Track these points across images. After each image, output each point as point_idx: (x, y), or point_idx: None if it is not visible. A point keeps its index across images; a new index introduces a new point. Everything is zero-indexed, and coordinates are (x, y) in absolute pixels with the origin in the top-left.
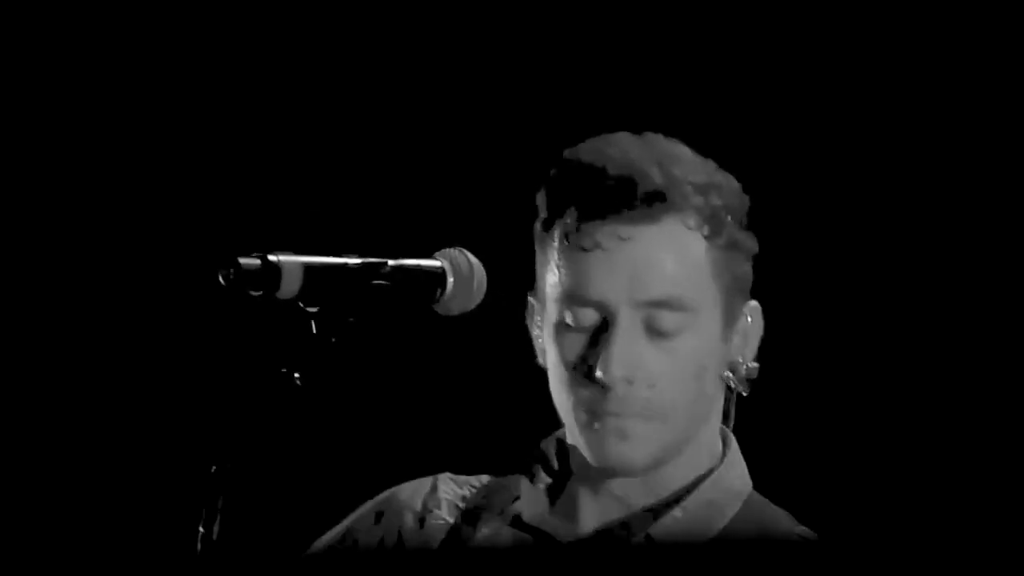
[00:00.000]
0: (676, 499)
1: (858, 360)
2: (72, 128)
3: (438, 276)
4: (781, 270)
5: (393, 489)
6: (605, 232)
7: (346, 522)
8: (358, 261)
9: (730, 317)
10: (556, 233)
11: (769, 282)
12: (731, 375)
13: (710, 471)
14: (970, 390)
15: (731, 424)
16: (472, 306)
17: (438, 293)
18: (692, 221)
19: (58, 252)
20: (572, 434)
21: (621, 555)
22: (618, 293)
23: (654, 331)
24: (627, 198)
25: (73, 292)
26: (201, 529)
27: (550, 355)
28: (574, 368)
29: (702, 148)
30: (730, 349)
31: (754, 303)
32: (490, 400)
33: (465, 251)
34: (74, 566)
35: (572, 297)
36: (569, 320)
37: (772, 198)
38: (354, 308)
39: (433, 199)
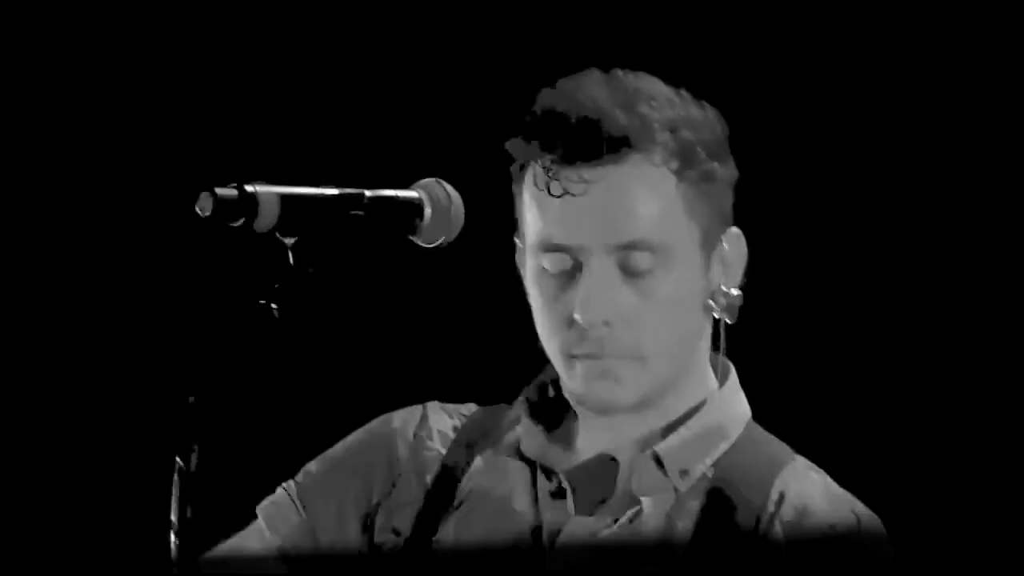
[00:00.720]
0: (674, 426)
1: (857, 287)
2: (48, 54)
3: (415, 207)
4: (775, 197)
5: (383, 417)
6: (572, 177)
7: (338, 448)
8: (335, 192)
9: (708, 249)
10: (528, 179)
11: (766, 210)
12: (713, 304)
13: (706, 400)
14: (965, 310)
15: (722, 351)
16: (451, 237)
17: (416, 223)
18: (658, 158)
19: (34, 182)
20: (562, 376)
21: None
22: (589, 238)
23: (629, 272)
24: (591, 143)
25: (50, 223)
26: (179, 461)
27: (532, 299)
28: (554, 313)
29: (695, 79)
30: (711, 278)
31: (735, 230)
32: (469, 330)
33: (443, 182)
34: (52, 496)
35: (546, 244)
36: (546, 264)
37: (764, 123)
38: (331, 238)
39: (411, 130)
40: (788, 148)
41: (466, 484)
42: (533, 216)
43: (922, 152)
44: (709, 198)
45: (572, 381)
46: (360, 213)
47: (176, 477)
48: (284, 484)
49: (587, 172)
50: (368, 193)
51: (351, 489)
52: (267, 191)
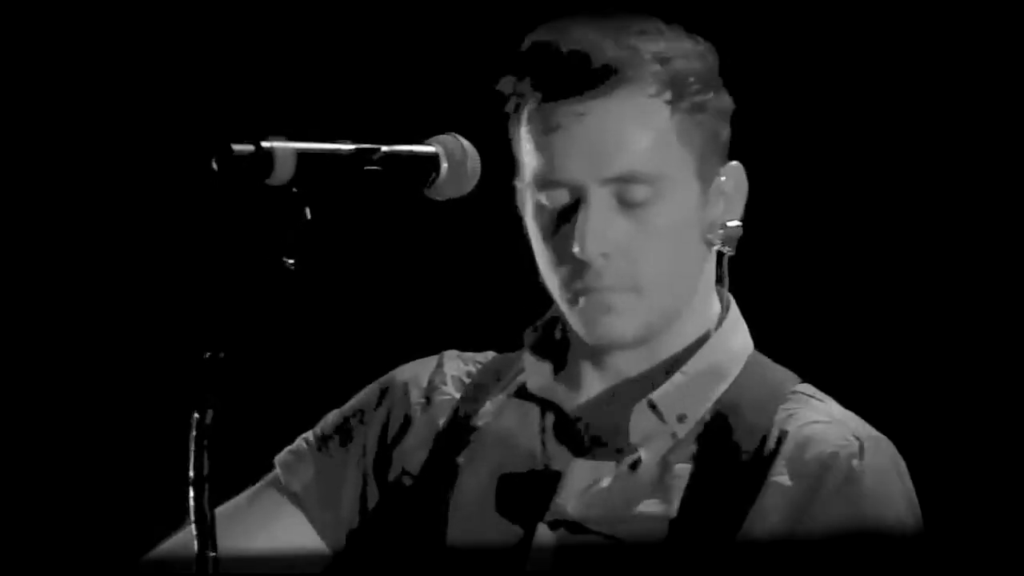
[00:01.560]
0: (675, 364)
1: (861, 213)
2: (59, 17)
3: (431, 161)
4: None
5: (399, 367)
6: (563, 111)
7: (355, 398)
8: (351, 147)
9: (706, 181)
10: (522, 116)
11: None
12: (712, 236)
13: (708, 335)
14: (967, 253)
15: (725, 285)
16: (466, 191)
17: (431, 178)
18: (652, 88)
19: (50, 142)
20: (565, 314)
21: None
22: (584, 171)
23: (626, 204)
24: (581, 76)
25: (66, 180)
26: (196, 416)
27: (532, 237)
28: (554, 248)
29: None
30: (710, 211)
31: (735, 163)
32: (484, 284)
33: (459, 136)
34: (69, 450)
35: (542, 179)
36: (544, 201)
37: (761, 56)
38: (347, 194)
39: (427, 85)
40: (786, 80)
41: (475, 425)
42: (528, 154)
43: (920, 85)
44: (703, 128)
45: (573, 316)
46: (376, 168)
47: (193, 432)
48: (303, 435)
49: (579, 106)
50: (384, 148)
51: (362, 439)
52: (283, 147)
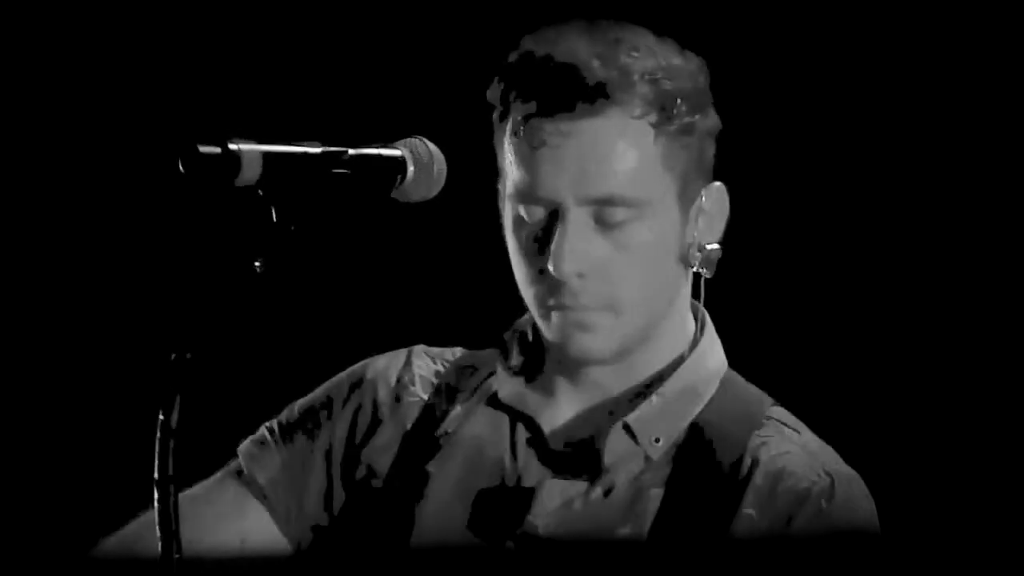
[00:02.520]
0: (652, 384)
1: (838, 239)
2: (29, 15)
3: (398, 164)
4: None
5: (368, 360)
6: (550, 129)
7: (322, 389)
8: (318, 149)
9: (686, 202)
10: (508, 127)
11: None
12: (690, 258)
13: (684, 355)
14: (952, 261)
15: (701, 303)
16: (432, 194)
17: (398, 181)
18: (637, 110)
19: (18, 144)
20: (540, 327)
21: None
22: (565, 190)
23: (604, 225)
24: (568, 94)
25: (33, 180)
26: (161, 417)
27: (510, 248)
28: (529, 264)
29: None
30: (690, 232)
31: (717, 184)
32: (452, 280)
33: (425, 140)
34: (38, 447)
35: (523, 194)
36: (523, 215)
37: (748, 74)
38: (314, 196)
39: (393, 88)
40: (771, 99)
41: (445, 431)
42: (511, 166)
43: (899, 103)
44: (688, 151)
45: (548, 331)
46: (343, 170)
47: (158, 433)
48: (267, 424)
49: (564, 124)
50: (351, 151)
51: (329, 433)
52: (250, 148)
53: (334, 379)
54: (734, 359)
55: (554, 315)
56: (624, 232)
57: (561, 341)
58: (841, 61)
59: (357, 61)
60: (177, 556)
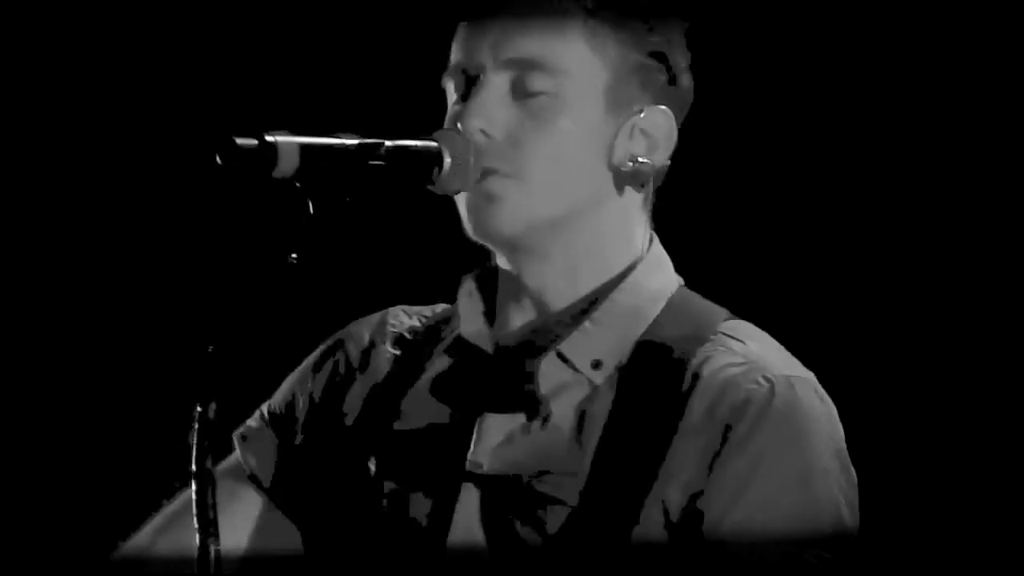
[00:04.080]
0: (591, 306)
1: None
2: (64, 13)
3: (434, 156)
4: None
5: (345, 328)
6: (481, 2)
7: (303, 364)
8: (355, 141)
9: (617, 103)
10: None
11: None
12: (621, 165)
13: (624, 275)
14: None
15: (648, 224)
16: (469, 186)
17: (434, 173)
18: None
19: (55, 138)
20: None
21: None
22: (485, 52)
23: (521, 93)
24: None
25: (72, 174)
26: (198, 410)
27: None
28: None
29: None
30: (624, 142)
31: (663, 108)
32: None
33: (462, 131)
34: (74, 443)
35: (454, 67)
36: (449, 90)
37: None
38: (350, 188)
39: (431, 81)
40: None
41: (411, 383)
42: (452, 50)
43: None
44: (622, 48)
45: (462, 213)
46: (379, 163)
47: (195, 426)
48: (260, 408)
49: None
50: (387, 143)
51: (308, 403)
52: (287, 140)
53: (313, 353)
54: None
55: (464, 193)
56: (540, 105)
57: (469, 214)
58: (829, 48)
59: (393, 53)
60: (216, 548)
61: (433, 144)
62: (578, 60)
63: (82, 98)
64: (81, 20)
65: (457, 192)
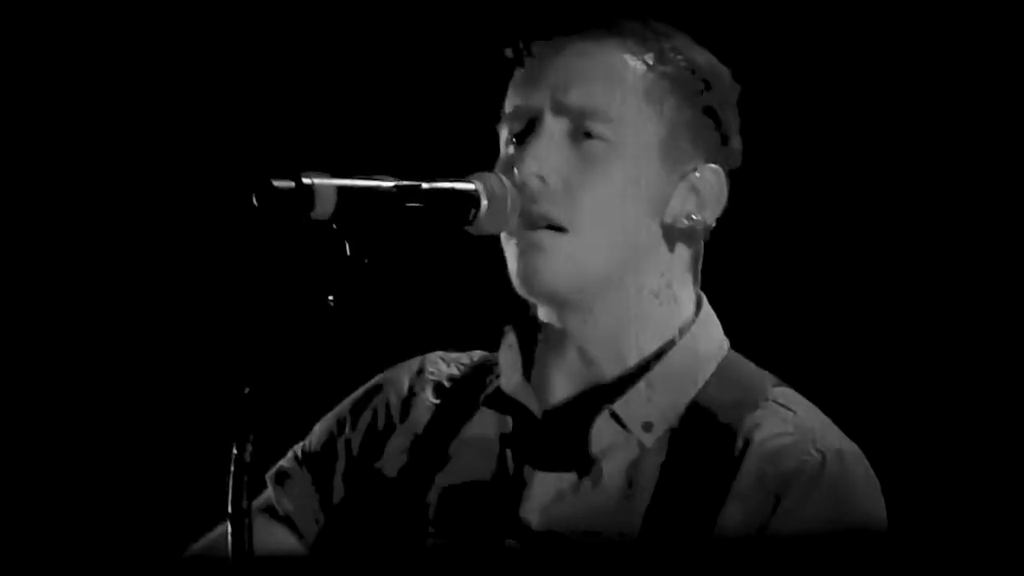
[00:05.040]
0: (644, 367)
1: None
2: (99, 47)
3: (472, 198)
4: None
5: (382, 374)
6: (544, 46)
7: (340, 407)
8: (392, 183)
9: (672, 158)
10: (514, 71)
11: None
12: (673, 222)
13: (673, 340)
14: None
15: (698, 283)
16: (506, 228)
17: (472, 215)
18: (635, 47)
19: (93, 174)
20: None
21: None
22: (543, 98)
23: (579, 137)
24: (569, 20)
25: (109, 213)
26: (235, 451)
27: None
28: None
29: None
30: (679, 200)
31: (714, 167)
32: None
33: (499, 173)
34: (107, 486)
35: (510, 112)
36: (505, 134)
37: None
38: (387, 230)
39: (469, 123)
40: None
41: (453, 433)
42: (508, 95)
43: (892, 88)
44: (680, 103)
45: (509, 263)
46: (417, 205)
47: (232, 467)
48: (294, 449)
49: (557, 41)
50: (425, 185)
51: (347, 449)
52: (324, 183)
53: (351, 396)
54: (752, 343)
55: (513, 243)
56: (596, 154)
57: (517, 267)
58: (836, 51)
59: (432, 96)
60: None
61: (471, 186)
62: (636, 111)
63: (122, 140)
64: (118, 60)
65: (494, 233)
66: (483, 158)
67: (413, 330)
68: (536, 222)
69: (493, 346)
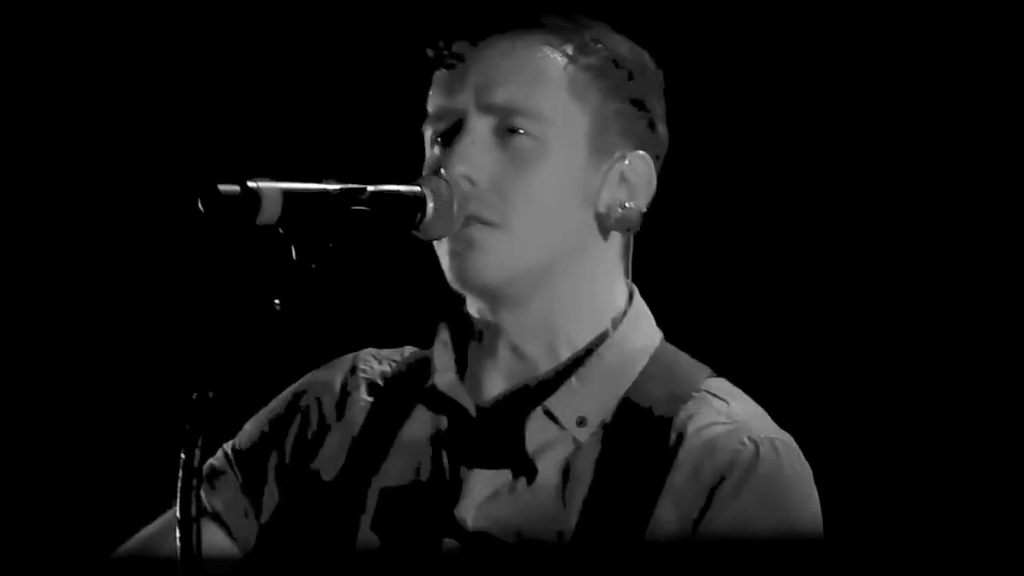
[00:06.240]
0: (576, 362)
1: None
2: (51, 52)
3: (418, 201)
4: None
5: (312, 372)
6: (463, 47)
7: (271, 405)
8: (337, 187)
9: (599, 149)
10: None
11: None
12: (605, 212)
13: (606, 332)
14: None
15: (629, 275)
16: (453, 231)
17: (418, 218)
18: (555, 40)
19: (39, 181)
20: (441, 263)
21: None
22: (468, 98)
23: (504, 137)
24: (482, 19)
25: (55, 221)
26: (183, 455)
27: None
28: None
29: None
30: (609, 189)
31: (642, 153)
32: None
33: (445, 177)
34: (57, 490)
35: (434, 113)
36: (430, 135)
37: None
38: (333, 234)
39: (412, 127)
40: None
41: (388, 433)
42: (430, 97)
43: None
44: (604, 96)
45: (442, 260)
46: (362, 208)
47: (180, 472)
48: (223, 447)
49: (479, 42)
50: (370, 188)
51: (279, 449)
52: (269, 187)
53: (282, 394)
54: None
55: (446, 240)
56: (524, 151)
57: (451, 262)
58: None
59: (376, 98)
60: None
61: (416, 189)
62: (561, 106)
63: (67, 145)
64: (63, 66)
65: (440, 238)
66: (416, 160)
67: (349, 329)
68: (468, 222)
69: (425, 343)
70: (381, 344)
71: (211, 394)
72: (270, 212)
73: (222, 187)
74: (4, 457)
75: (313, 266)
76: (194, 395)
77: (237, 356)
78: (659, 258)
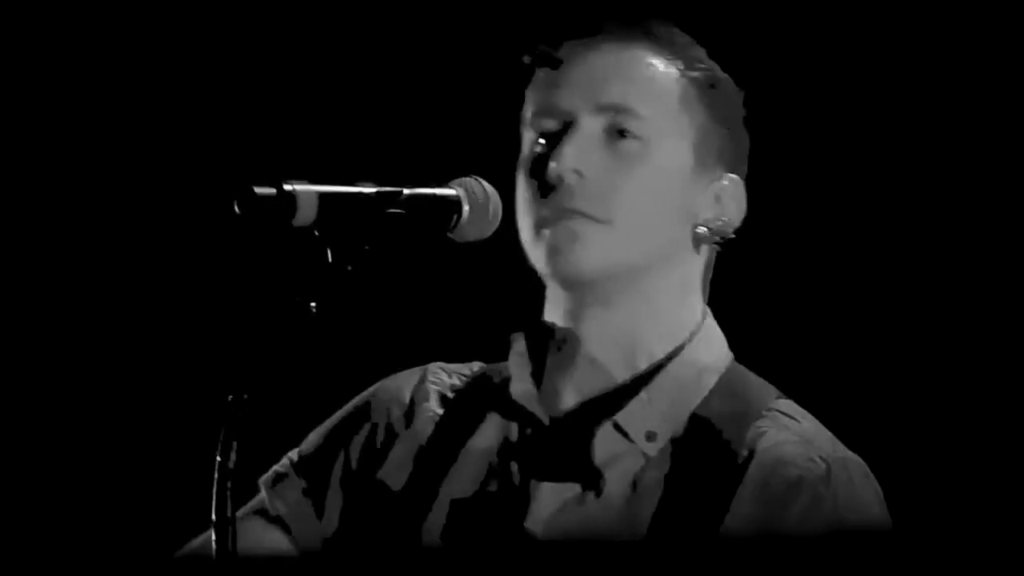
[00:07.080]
0: (649, 375)
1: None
2: (91, 55)
3: (453, 204)
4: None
5: (382, 381)
6: (573, 46)
7: (339, 414)
8: (373, 190)
9: (701, 165)
10: (535, 73)
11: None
12: (698, 224)
13: (682, 346)
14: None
15: (706, 294)
16: (487, 234)
17: (453, 221)
18: (667, 53)
19: (74, 181)
20: (532, 256)
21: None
22: (580, 99)
23: (614, 138)
24: (594, 22)
25: (89, 220)
26: (219, 458)
27: (518, 190)
28: (531, 174)
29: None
30: (703, 204)
31: (736, 178)
32: (504, 327)
33: (480, 179)
34: (94, 493)
35: (537, 108)
36: (533, 133)
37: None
38: (369, 237)
39: (450, 128)
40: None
41: (458, 443)
42: (530, 95)
43: (898, 97)
44: (710, 112)
45: (538, 251)
46: (398, 211)
47: (216, 475)
48: (288, 454)
49: (590, 42)
50: (406, 191)
51: (345, 457)
52: (305, 189)
53: (349, 404)
54: (752, 354)
55: (546, 232)
56: (632, 153)
57: (549, 255)
58: (841, 57)
59: (415, 100)
60: None
61: (452, 192)
62: (670, 114)
63: (104, 148)
64: (101, 69)
65: (475, 240)
66: (464, 163)
67: (395, 338)
68: (571, 216)
69: (484, 356)
70: (418, 347)
71: (246, 396)
72: (306, 214)
73: (258, 189)
74: (36, 458)
75: (349, 268)
76: (230, 397)
77: (273, 359)
78: (736, 280)
